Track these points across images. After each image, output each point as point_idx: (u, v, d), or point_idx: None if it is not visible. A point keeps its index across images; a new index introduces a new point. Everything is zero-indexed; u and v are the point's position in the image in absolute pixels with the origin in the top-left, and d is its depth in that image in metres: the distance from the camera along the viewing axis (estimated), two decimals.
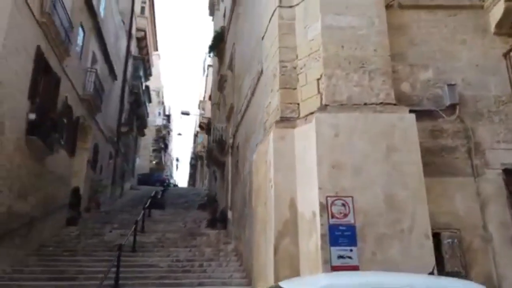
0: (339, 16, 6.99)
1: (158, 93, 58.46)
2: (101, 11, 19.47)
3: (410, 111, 6.58)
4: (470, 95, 6.83)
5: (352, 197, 5.70)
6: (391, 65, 6.95)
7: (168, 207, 21.26)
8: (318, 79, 6.83)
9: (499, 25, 7.04)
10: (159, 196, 22.83)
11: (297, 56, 7.35)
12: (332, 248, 5.43)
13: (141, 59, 31.64)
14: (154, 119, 54.26)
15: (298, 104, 7.09)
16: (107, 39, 20.09)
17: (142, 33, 32.75)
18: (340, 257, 5.38)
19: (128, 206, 21.23)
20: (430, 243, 5.61)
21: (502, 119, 6.70)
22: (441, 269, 5.73)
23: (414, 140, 6.16)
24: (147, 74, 36.36)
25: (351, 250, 5.44)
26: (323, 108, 6.44)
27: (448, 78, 6.90)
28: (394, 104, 6.48)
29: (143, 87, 33.99)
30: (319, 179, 5.89)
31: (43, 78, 11.63)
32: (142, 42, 33.55)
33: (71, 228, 14.22)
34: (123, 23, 26.17)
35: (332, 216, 5.56)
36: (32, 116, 10.34)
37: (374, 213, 5.73)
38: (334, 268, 5.32)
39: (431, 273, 4.55)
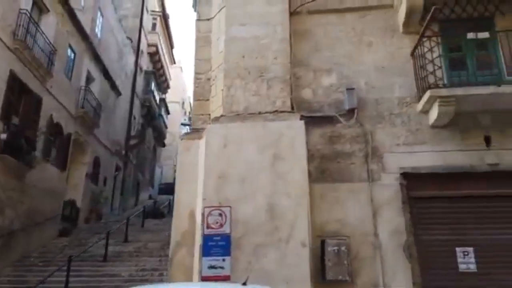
0: (243, 26, 7.11)
1: (182, 104, 60.16)
2: (98, 32, 20.55)
3: (309, 117, 6.59)
4: (373, 98, 6.67)
5: (230, 207, 5.76)
6: (294, 72, 6.97)
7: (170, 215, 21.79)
8: (222, 90, 6.96)
9: (406, 23, 6.84)
10: (164, 205, 23.46)
11: (211, 68, 7.53)
12: (204, 259, 5.52)
13: (153, 73, 32.81)
14: (178, 129, 55.87)
15: (209, 115, 7.24)
16: (107, 57, 21.14)
17: (154, 49, 33.99)
18: (212, 267, 5.45)
19: (134, 216, 22.02)
20: (306, 252, 5.55)
21: (404, 121, 6.47)
22: (323, 277, 5.64)
23: (301, 147, 6.13)
24: (163, 87, 37.61)
25: (223, 260, 5.49)
26: (216, 119, 6.56)
27: (351, 82, 6.78)
28: (290, 112, 6.46)
29: (157, 100, 35.16)
30: (204, 190, 6.01)
31: (23, 99, 12.53)
32: (154, 57, 34.84)
33: (62, 239, 15.02)
34: (131, 40, 27.38)
35: (208, 227, 5.65)
36: (4, 136, 11.17)
37: (254, 223, 5.75)
38: (204, 278, 5.41)
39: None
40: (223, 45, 7.12)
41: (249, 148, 6.14)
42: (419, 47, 6.57)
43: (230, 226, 5.64)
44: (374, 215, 6.00)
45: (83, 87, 18.30)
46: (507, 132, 6.18)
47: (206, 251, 5.51)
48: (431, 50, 6.58)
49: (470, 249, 5.81)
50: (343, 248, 5.76)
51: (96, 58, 20.23)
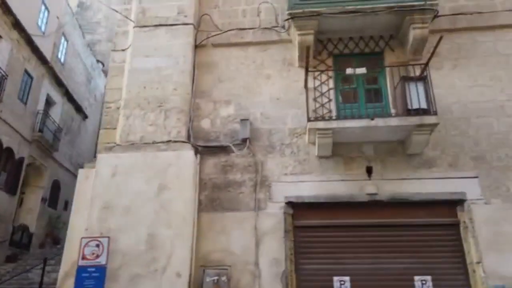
0: (147, 58, 7.34)
1: None
2: (61, 57, 20.81)
3: (205, 147, 6.75)
4: (267, 129, 6.88)
5: (109, 237, 5.83)
6: (196, 103, 7.19)
7: None
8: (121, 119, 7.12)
9: (301, 58, 7.11)
10: None
11: (121, 97, 7.70)
12: None
13: None
14: None
15: (115, 143, 7.35)
16: (72, 80, 21.35)
17: None
18: None
19: None
20: (182, 282, 5.61)
21: (294, 151, 6.67)
22: None
23: (189, 177, 6.26)
24: None
25: None
26: (109, 148, 6.70)
27: (248, 113, 7.00)
28: (183, 142, 6.63)
29: None
30: (88, 220, 6.08)
31: None
32: None
33: (8, 266, 14.77)
34: (102, 64, 27.67)
35: (83, 258, 5.69)
36: None
37: (133, 253, 5.81)
38: None
39: None
40: (127, 75, 7.34)
41: (137, 178, 6.26)
42: (314, 80, 6.86)
43: (106, 257, 5.69)
44: (257, 244, 6.09)
45: (40, 111, 18.37)
46: (387, 163, 6.40)
47: (78, 283, 5.53)
48: (321, 83, 6.89)
49: (347, 278, 5.92)
50: (223, 278, 5.83)
51: (58, 82, 20.39)
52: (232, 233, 6.21)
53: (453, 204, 6.10)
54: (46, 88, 19.29)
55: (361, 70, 6.39)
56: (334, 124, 6.09)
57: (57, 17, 21.02)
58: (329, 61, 7.24)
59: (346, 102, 6.96)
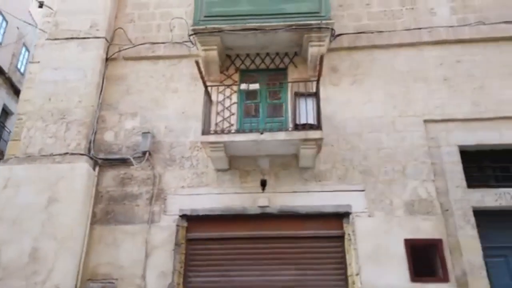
0: (56, 70, 7.37)
1: None
2: (21, 67, 20.66)
3: (105, 159, 6.77)
4: (169, 142, 6.94)
5: None
6: (102, 115, 7.23)
7: None
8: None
9: (207, 72, 7.24)
10: None
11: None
12: None
13: None
14: None
15: (14, 155, 7.25)
16: None
17: None
18: None
19: None
20: None
21: (193, 164, 6.74)
22: None
23: (81, 190, 6.25)
24: None
25: None
26: (5, 160, 6.66)
27: (152, 126, 7.07)
28: (80, 154, 6.63)
29: None
30: None
31: None
32: None
33: None
34: None
35: None
36: None
37: (16, 266, 5.74)
38: None
39: None
40: (34, 87, 7.36)
41: (28, 190, 6.21)
42: (218, 94, 6.98)
43: None
44: (147, 257, 6.09)
45: None
46: (281, 176, 6.52)
47: None
48: (225, 97, 7.03)
49: None
50: None
51: (16, 92, 20.16)
52: (122, 246, 6.19)
53: (340, 216, 6.22)
54: (3, 98, 19.06)
55: (255, 86, 6.56)
56: (225, 138, 6.19)
57: (17, 28, 20.89)
58: (236, 76, 7.39)
59: (250, 117, 7.10)
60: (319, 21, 6.89)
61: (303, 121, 6.25)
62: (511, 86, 6.74)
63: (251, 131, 6.34)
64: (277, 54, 7.44)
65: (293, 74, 7.28)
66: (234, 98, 7.17)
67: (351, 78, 7.16)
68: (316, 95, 6.45)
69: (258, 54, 7.48)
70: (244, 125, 6.97)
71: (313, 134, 6.07)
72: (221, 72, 7.40)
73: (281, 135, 6.13)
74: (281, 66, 7.40)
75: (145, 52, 7.68)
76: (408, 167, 6.37)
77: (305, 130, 6.13)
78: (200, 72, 6.46)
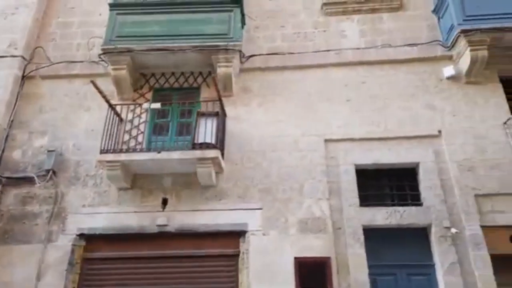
0: None
1: None
2: None
3: (9, 178, 6.75)
4: (75, 160, 6.94)
5: None
6: (13, 133, 7.24)
7: None
8: None
9: (119, 92, 7.33)
10: None
11: None
12: None
13: None
14: None
15: None
16: None
17: None
18: None
19: None
20: None
21: (97, 183, 6.74)
22: None
23: None
24: None
25: None
26: None
27: (60, 144, 7.07)
28: None
29: None
30: None
31: None
32: None
33: None
34: None
35: None
36: None
37: None
38: None
39: None
40: None
41: None
42: (128, 113, 7.02)
43: None
44: (38, 278, 6.01)
45: None
46: (183, 194, 6.55)
47: None
48: (134, 116, 7.06)
49: None
50: None
51: None
52: (17, 266, 6.11)
53: (237, 235, 6.26)
54: None
55: (156, 105, 6.66)
56: (123, 157, 6.24)
57: None
58: (149, 95, 7.49)
59: (160, 135, 7.17)
60: (225, 43, 7.07)
61: (202, 140, 6.33)
62: (409, 107, 6.96)
63: (149, 150, 6.41)
64: (192, 73, 7.57)
65: (205, 93, 7.40)
66: (145, 116, 7.23)
67: (261, 98, 7.31)
68: (217, 114, 6.56)
69: (173, 73, 7.60)
70: (152, 144, 7.02)
71: (209, 153, 6.17)
72: (135, 90, 7.49)
73: (177, 154, 6.20)
74: (195, 85, 7.52)
75: (62, 70, 7.74)
76: (306, 185, 6.47)
77: (202, 149, 6.22)
78: (100, 92, 6.55)
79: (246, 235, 6.19)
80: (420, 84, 7.14)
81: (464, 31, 6.78)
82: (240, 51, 7.22)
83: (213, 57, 7.10)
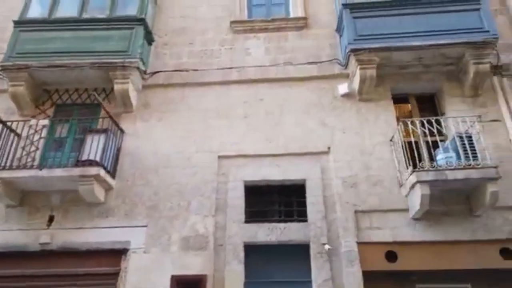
0: None
1: None
2: None
3: None
4: None
5: None
6: None
7: None
8: None
9: (19, 107, 7.32)
10: None
11: None
12: None
13: None
14: None
15: None
16: None
17: None
18: None
19: None
20: None
21: None
22: None
23: None
24: None
25: None
26: None
27: None
28: None
29: None
30: None
31: None
32: None
33: None
34: None
35: None
36: None
37: None
38: None
39: None
40: None
41: None
42: (25, 129, 7.00)
43: None
44: None
45: None
46: (70, 212, 6.50)
47: None
48: (29, 132, 7.04)
49: None
50: None
51: None
52: None
53: (119, 253, 6.21)
54: None
55: (44, 122, 6.65)
56: (4, 174, 6.19)
57: None
58: (51, 111, 7.48)
59: (57, 151, 7.14)
60: (123, 60, 7.13)
61: (87, 157, 6.32)
62: (303, 123, 7.06)
63: (32, 167, 6.37)
64: (95, 89, 7.58)
65: (107, 109, 7.41)
66: (42, 133, 7.20)
67: (160, 114, 7.36)
68: (105, 132, 6.58)
69: (76, 90, 7.62)
70: (48, 160, 6.98)
71: (91, 170, 6.16)
72: (37, 106, 7.48)
73: (59, 172, 6.18)
74: (96, 101, 7.52)
75: None
76: (193, 202, 6.49)
77: (84, 166, 6.21)
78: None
79: (128, 253, 6.15)
80: (317, 101, 7.27)
81: (353, 50, 6.95)
82: (138, 68, 7.27)
83: (111, 73, 7.16)
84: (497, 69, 7.08)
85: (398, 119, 6.88)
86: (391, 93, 7.30)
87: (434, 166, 5.76)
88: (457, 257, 5.88)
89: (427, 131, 6.28)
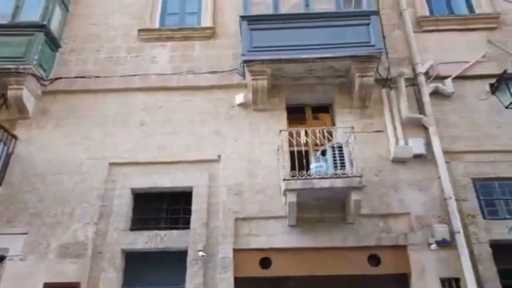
0: None
1: None
2: None
3: None
4: None
5: None
6: None
7: None
8: None
9: None
10: None
11: None
12: None
13: None
14: None
15: None
16: None
17: None
18: None
19: None
20: None
21: None
22: None
23: None
24: None
25: None
26: None
27: None
28: None
29: None
30: None
31: None
32: None
33: None
34: None
35: None
36: None
37: None
38: None
39: None
40: None
41: None
42: None
43: None
44: None
45: None
46: None
47: None
48: None
49: None
50: None
51: None
52: None
53: None
54: None
55: None
56: None
57: None
58: None
59: None
60: (16, 66, 7.12)
61: None
62: (198, 132, 7.14)
63: None
64: None
65: (4, 115, 7.36)
66: None
67: (57, 121, 7.35)
68: None
69: None
70: None
71: None
72: None
73: None
74: None
75: None
76: (78, 209, 6.49)
77: None
78: None
79: (5, 261, 6.10)
80: (214, 110, 7.41)
81: (246, 61, 7.12)
82: (32, 74, 7.25)
83: (5, 79, 7.12)
84: (387, 82, 7.41)
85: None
86: (288, 104, 7.52)
87: (303, 175, 5.96)
88: (328, 263, 6.07)
89: (310, 141, 6.50)
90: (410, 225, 6.23)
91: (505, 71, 6.83)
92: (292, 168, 6.39)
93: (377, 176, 6.61)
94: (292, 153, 6.72)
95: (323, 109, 7.69)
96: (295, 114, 7.57)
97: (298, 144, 6.57)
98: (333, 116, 7.43)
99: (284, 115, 7.32)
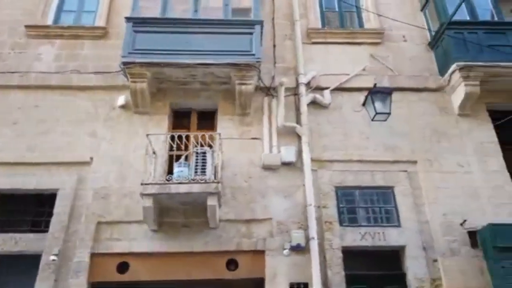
0: None
1: None
2: None
3: None
4: None
5: None
6: None
7: None
8: None
9: None
10: None
11: None
12: None
13: None
14: None
15: None
16: None
17: None
18: None
19: None
20: None
21: None
22: None
23: None
24: None
25: None
26: None
27: None
28: None
29: None
30: None
31: None
32: None
33: None
34: None
35: None
36: None
37: None
38: None
39: None
40: None
41: None
42: None
43: None
44: None
45: None
46: None
47: None
48: None
49: None
50: None
51: None
52: None
53: None
54: None
55: None
56: None
57: None
58: None
59: None
60: None
61: None
62: (74, 133, 7.00)
63: None
64: None
65: None
66: None
67: None
68: None
69: None
70: None
71: None
72: None
73: None
74: None
75: None
76: None
77: None
78: None
79: None
80: (93, 111, 7.28)
81: (125, 63, 7.04)
82: None
83: None
84: (269, 90, 7.58)
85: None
86: (174, 108, 7.55)
87: (162, 180, 5.97)
88: (188, 268, 6.10)
89: (190, 146, 6.48)
90: (270, 230, 6.39)
91: (374, 85, 7.17)
92: (169, 172, 6.41)
93: (247, 182, 6.73)
94: (171, 158, 6.76)
95: (210, 115, 7.75)
96: (182, 119, 7.60)
97: (179, 148, 6.60)
98: (215, 123, 7.50)
99: (165, 119, 7.31)
